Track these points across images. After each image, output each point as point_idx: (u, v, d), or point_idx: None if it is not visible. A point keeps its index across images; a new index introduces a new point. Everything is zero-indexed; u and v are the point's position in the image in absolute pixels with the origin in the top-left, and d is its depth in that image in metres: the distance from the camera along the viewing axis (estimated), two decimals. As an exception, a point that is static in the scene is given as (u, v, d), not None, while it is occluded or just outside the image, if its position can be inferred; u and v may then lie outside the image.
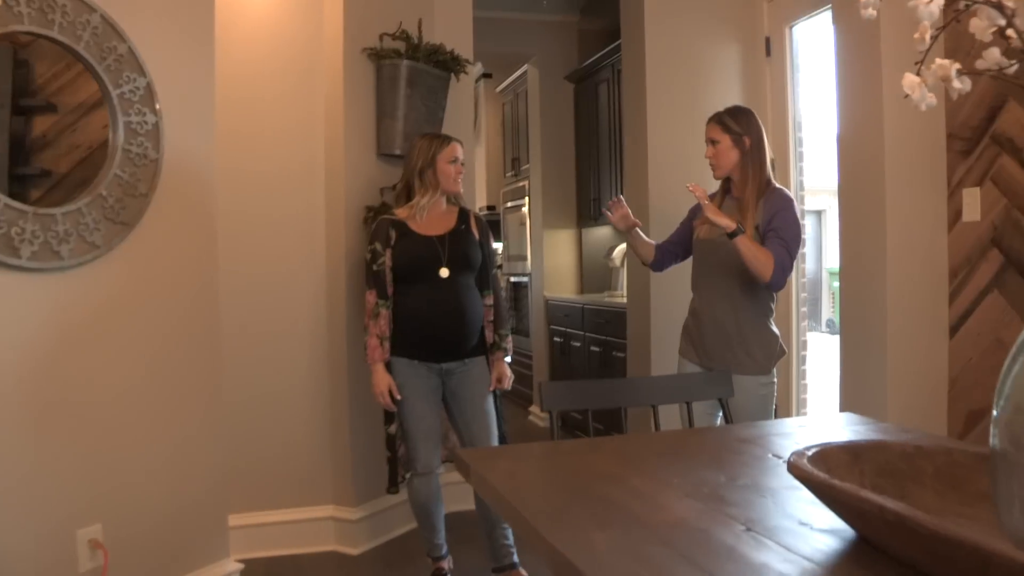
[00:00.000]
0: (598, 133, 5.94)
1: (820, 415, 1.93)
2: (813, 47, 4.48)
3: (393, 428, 3.18)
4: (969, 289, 3.30)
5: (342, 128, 3.58)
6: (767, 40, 4.54)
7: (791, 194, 2.97)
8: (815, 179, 4.62)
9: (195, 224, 2.94)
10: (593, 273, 6.46)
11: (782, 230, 2.85)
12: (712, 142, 2.98)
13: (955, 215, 3.35)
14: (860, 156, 3.45)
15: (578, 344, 5.80)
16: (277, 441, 3.64)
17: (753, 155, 2.93)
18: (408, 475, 3.20)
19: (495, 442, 3.16)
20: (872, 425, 1.86)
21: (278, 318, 3.63)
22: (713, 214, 2.74)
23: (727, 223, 2.73)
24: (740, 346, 2.92)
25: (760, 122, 2.99)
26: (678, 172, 4.47)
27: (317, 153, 3.65)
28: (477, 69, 8.36)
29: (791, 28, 4.46)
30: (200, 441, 2.98)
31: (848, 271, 3.55)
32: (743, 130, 2.93)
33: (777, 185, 2.99)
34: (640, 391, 2.04)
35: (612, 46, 5.51)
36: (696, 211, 3.20)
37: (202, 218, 2.97)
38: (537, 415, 6.54)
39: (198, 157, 2.93)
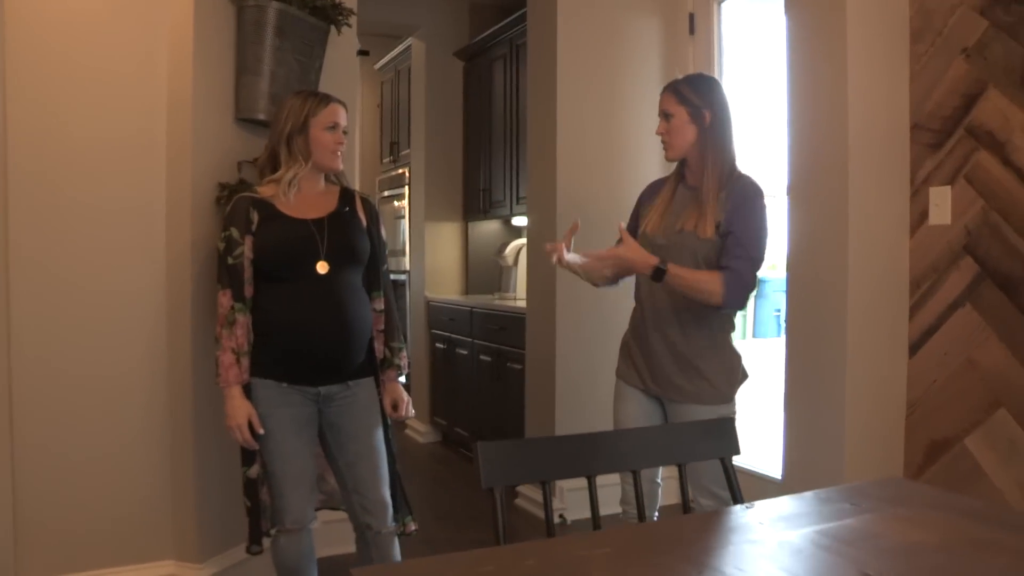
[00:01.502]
0: (491, 116, 5.33)
1: (864, 482, 1.37)
2: (741, 27, 4.02)
3: (254, 471, 2.45)
4: (935, 302, 2.88)
5: (189, 85, 2.80)
6: (691, 16, 4.05)
7: (759, 183, 2.44)
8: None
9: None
10: (481, 272, 5.83)
11: (742, 233, 2.32)
12: (665, 115, 2.43)
13: (919, 217, 2.93)
14: (817, 151, 2.98)
15: (465, 352, 5.17)
16: (96, 481, 2.83)
17: (713, 134, 2.39)
18: (274, 530, 2.48)
19: (386, 489, 2.49)
20: (949, 497, 1.32)
21: (101, 327, 2.81)
22: (630, 252, 2.27)
23: (644, 261, 2.26)
24: (695, 369, 2.37)
25: (725, 96, 2.46)
26: (592, 160, 3.93)
27: (156, 116, 2.85)
28: (353, 43, 7.60)
29: (719, 5, 3.98)
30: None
31: (798, 280, 3.07)
32: (703, 102, 2.39)
33: (743, 172, 2.45)
34: (617, 451, 1.43)
35: (510, 19, 4.91)
36: (645, 199, 2.63)
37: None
38: (415, 429, 5.86)
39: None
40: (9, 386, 2.66)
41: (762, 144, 4.07)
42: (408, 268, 6.07)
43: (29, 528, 2.71)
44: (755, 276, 2.37)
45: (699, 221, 2.35)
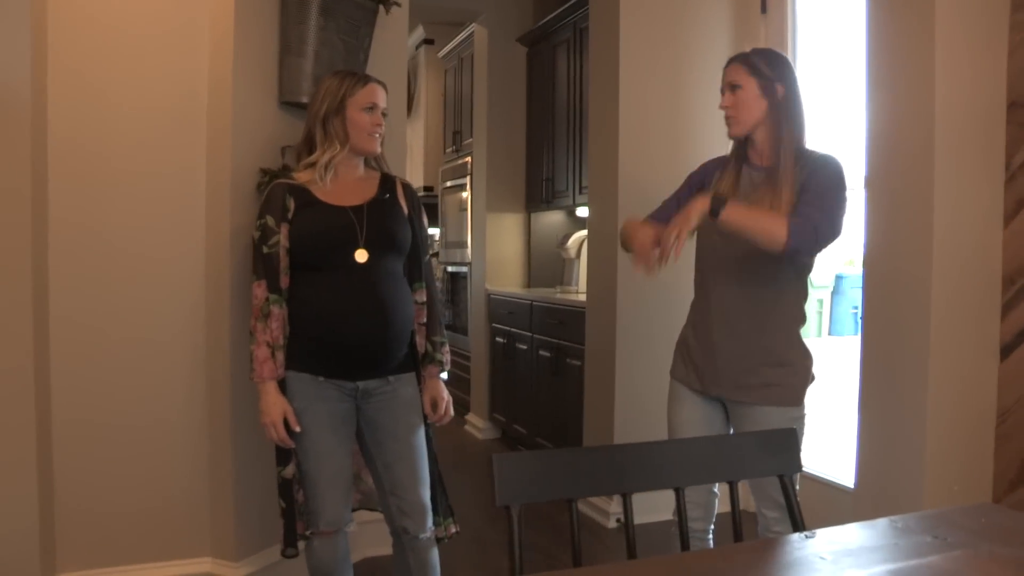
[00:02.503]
0: (554, 103, 5.15)
1: (951, 509, 1.15)
2: (817, 3, 3.76)
3: (289, 471, 2.34)
4: (1031, 300, 2.61)
5: (230, 66, 2.71)
6: (763, -7, 3.81)
7: (831, 154, 2.22)
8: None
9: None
10: (543, 264, 5.67)
11: (817, 189, 2.09)
12: (732, 87, 2.21)
13: (1015, 205, 2.65)
14: (899, 135, 2.72)
15: (524, 347, 5.02)
16: (134, 476, 2.78)
17: (787, 109, 2.18)
18: (308, 532, 2.37)
19: (425, 491, 2.35)
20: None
21: (139, 319, 2.76)
22: (684, 217, 2.03)
23: (699, 206, 2.02)
24: (768, 368, 2.17)
25: (795, 73, 2.25)
26: (655, 148, 3.73)
27: (197, 99, 2.77)
28: (418, 34, 7.49)
29: (793, -20, 3.73)
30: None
31: (876, 275, 2.82)
32: (775, 75, 2.18)
33: (810, 149, 2.23)
34: (659, 466, 1.25)
35: (574, 1, 4.71)
36: (698, 180, 2.42)
37: (13, 180, 2.09)
38: (474, 425, 5.74)
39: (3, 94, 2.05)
40: (47, 380, 2.62)
41: (839, 133, 3.82)
42: (470, 260, 5.95)
43: (67, 522, 2.68)
44: (829, 228, 2.07)
45: (774, 202, 2.13)
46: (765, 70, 2.17)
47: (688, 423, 2.30)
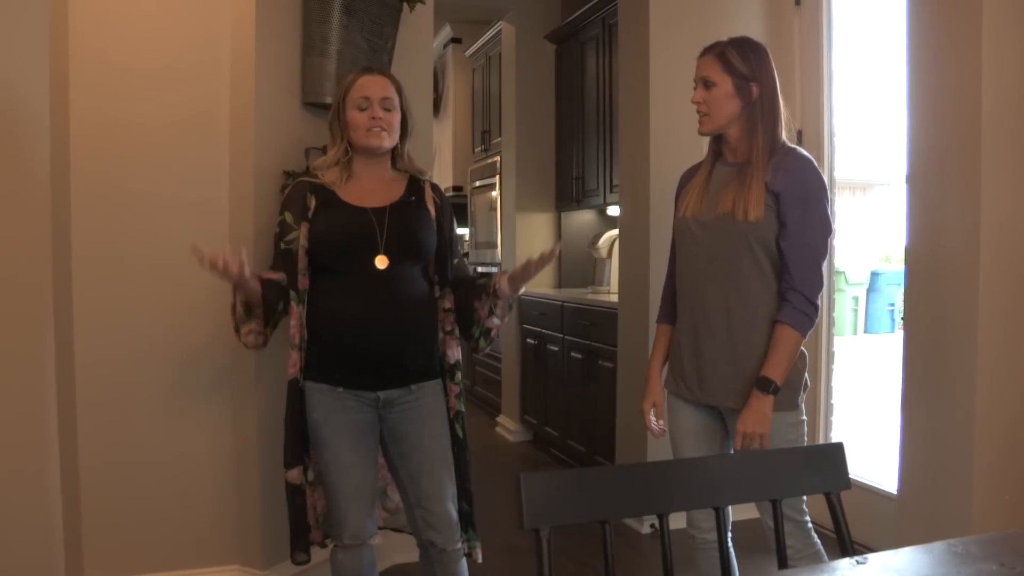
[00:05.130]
0: (583, 100, 5.07)
1: (1018, 531, 1.06)
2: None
3: (295, 475, 2.25)
4: (1085, 300, 2.49)
5: (252, 67, 2.67)
6: (798, -15, 3.70)
7: (810, 156, 2.12)
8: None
9: (17, 192, 2.02)
10: (574, 265, 5.59)
11: (799, 232, 2.03)
12: (705, 84, 2.09)
13: (1067, 201, 2.53)
14: (943, 129, 2.61)
15: (556, 348, 4.94)
16: (162, 484, 2.76)
17: (764, 109, 2.07)
18: (331, 544, 2.31)
19: (451, 503, 2.28)
20: None
21: (163, 325, 2.73)
22: (746, 426, 2.02)
23: (759, 412, 2.01)
24: (755, 374, 2.04)
25: (774, 67, 2.13)
26: (687, 144, 3.62)
27: (219, 102, 2.73)
28: (444, 33, 7.44)
29: (828, -29, 3.61)
30: (15, 489, 2.05)
31: (919, 274, 2.72)
32: (752, 74, 2.06)
33: (790, 145, 2.13)
34: (695, 484, 1.17)
35: (603, -3, 4.63)
36: (683, 186, 2.32)
37: (29, 184, 2.05)
38: (505, 427, 5.68)
39: (17, 95, 2.00)
40: (72, 386, 2.60)
41: (877, 127, 3.70)
42: (500, 260, 5.89)
43: (94, 529, 2.66)
44: (819, 282, 2.06)
45: (738, 200, 2.04)
46: (741, 68, 2.06)
47: (686, 432, 2.20)
